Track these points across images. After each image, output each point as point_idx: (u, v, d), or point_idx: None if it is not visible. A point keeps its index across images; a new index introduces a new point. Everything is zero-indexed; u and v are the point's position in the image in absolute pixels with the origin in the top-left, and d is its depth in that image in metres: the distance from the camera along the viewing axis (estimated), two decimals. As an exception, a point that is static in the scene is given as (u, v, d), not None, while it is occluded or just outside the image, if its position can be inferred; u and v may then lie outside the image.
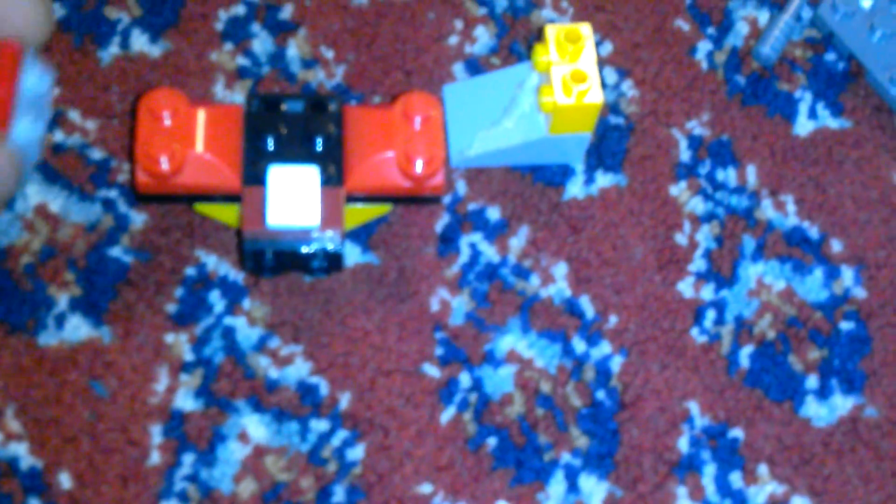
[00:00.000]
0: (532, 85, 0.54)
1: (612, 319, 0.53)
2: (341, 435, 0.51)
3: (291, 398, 0.52)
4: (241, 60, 0.58)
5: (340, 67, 0.58)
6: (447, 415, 0.52)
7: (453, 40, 0.59)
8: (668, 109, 0.58)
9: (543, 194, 0.56)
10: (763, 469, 0.51)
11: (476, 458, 0.51)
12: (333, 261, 0.51)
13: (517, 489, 0.50)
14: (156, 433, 0.51)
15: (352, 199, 0.51)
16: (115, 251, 0.54)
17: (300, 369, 0.52)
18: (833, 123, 0.57)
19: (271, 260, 0.51)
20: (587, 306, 0.54)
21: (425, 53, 0.59)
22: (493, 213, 0.55)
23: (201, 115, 0.51)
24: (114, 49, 0.58)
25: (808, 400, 0.52)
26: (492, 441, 0.51)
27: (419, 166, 0.50)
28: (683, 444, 0.51)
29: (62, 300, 0.53)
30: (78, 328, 0.52)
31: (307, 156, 0.50)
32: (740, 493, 0.50)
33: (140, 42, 0.58)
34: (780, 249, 0.55)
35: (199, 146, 0.50)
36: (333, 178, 0.50)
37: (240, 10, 0.59)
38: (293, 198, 0.49)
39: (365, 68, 0.58)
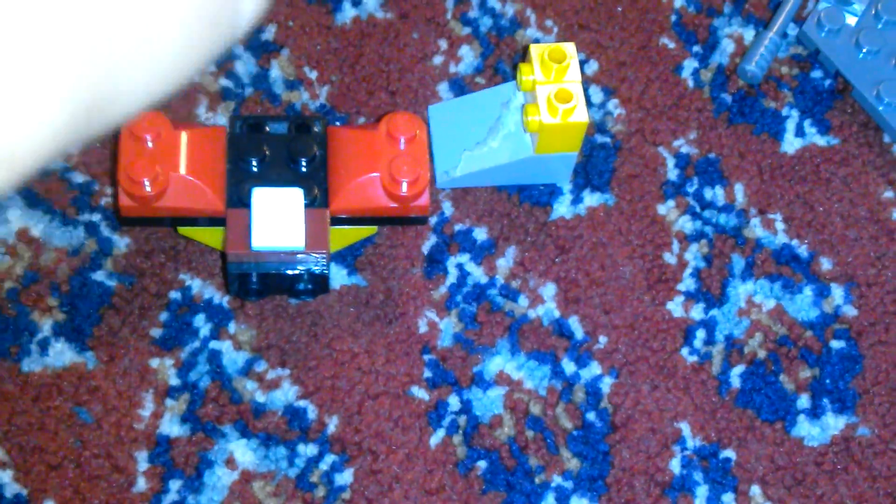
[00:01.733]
0: (517, 104, 0.54)
1: (602, 340, 0.53)
2: (329, 459, 0.50)
3: (279, 423, 0.51)
4: (224, 82, 0.58)
5: (324, 88, 0.58)
6: (436, 438, 0.51)
7: (438, 60, 0.59)
8: (655, 128, 0.57)
9: (530, 214, 0.55)
10: (756, 490, 0.50)
11: (466, 482, 0.50)
12: (319, 283, 0.50)
13: (508, 513, 0.50)
14: (142, 459, 0.50)
15: (337, 220, 0.51)
16: (99, 275, 0.53)
17: (287, 393, 0.52)
18: (820, 141, 0.57)
19: (257, 282, 0.50)
20: (576, 327, 0.53)
21: (410, 73, 0.58)
22: (480, 234, 0.55)
23: (184, 138, 0.50)
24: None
25: (800, 420, 0.52)
26: (482, 464, 0.51)
27: (404, 187, 0.49)
28: (675, 466, 0.51)
29: (46, 325, 0.52)
30: (62, 354, 0.52)
31: (291, 177, 0.50)
32: (733, 515, 0.50)
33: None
34: (770, 268, 0.54)
35: (182, 169, 0.49)
36: (318, 199, 0.50)
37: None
38: (277, 220, 0.48)
39: (349, 89, 0.58)
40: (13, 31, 0.18)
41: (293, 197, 0.48)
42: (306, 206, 0.49)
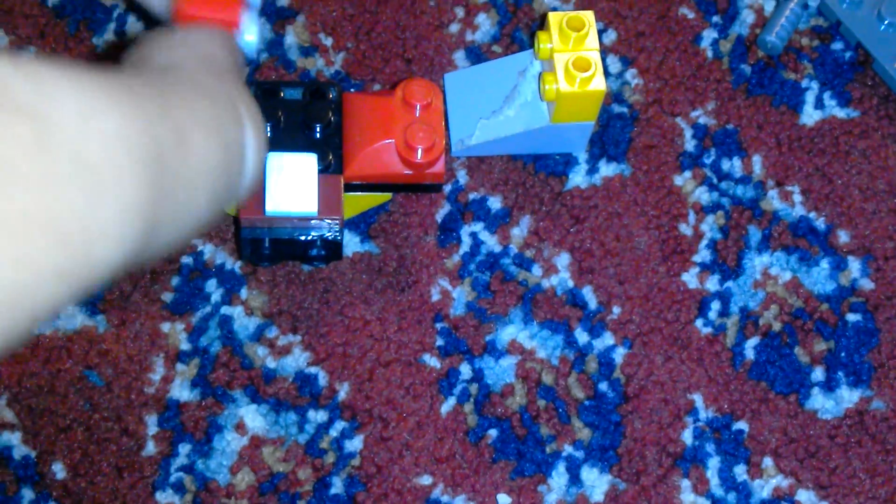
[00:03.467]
0: (534, 73, 0.54)
1: (616, 310, 0.53)
2: (340, 426, 0.50)
3: (289, 388, 0.51)
4: (240, 47, 0.57)
5: (340, 55, 0.57)
6: (447, 406, 0.51)
7: (454, 28, 0.58)
8: (673, 98, 0.57)
9: (545, 184, 0.55)
10: (768, 462, 0.50)
11: (476, 450, 0.50)
12: (332, 249, 0.50)
13: (518, 481, 0.50)
14: (151, 423, 0.50)
15: (351, 187, 0.50)
16: (111, 239, 0.53)
17: (298, 359, 0.51)
18: (840, 113, 0.57)
19: (269, 248, 0.50)
20: (590, 297, 0.53)
21: (426, 41, 0.58)
22: (495, 203, 0.55)
23: None
24: (108, 36, 0.57)
25: (814, 392, 0.51)
26: (492, 433, 0.50)
27: (419, 154, 0.49)
28: (687, 437, 0.50)
29: (57, 288, 0.52)
30: (72, 317, 0.52)
31: (305, 143, 0.49)
32: (745, 486, 0.49)
33: (135, 29, 0.58)
34: (786, 240, 0.54)
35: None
36: (332, 165, 0.49)
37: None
38: (291, 185, 0.48)
39: (364, 56, 0.57)
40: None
41: (307, 162, 0.48)
42: (320, 172, 0.48)
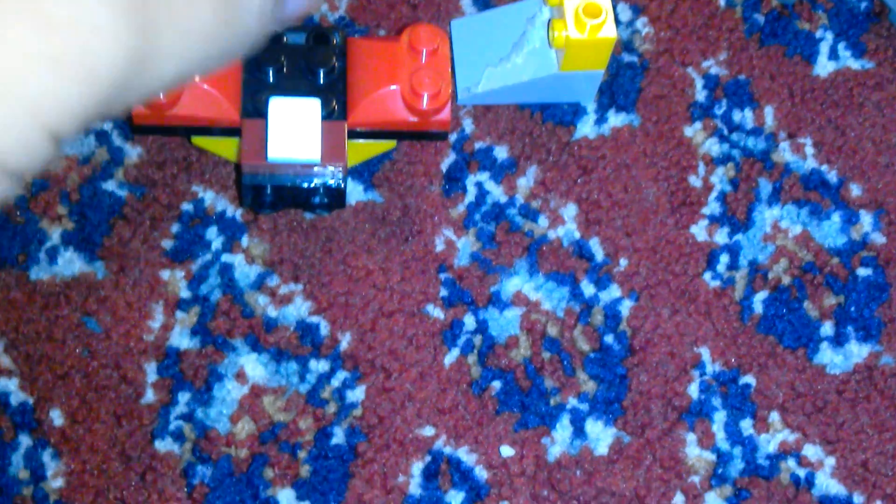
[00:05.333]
0: (543, 20, 0.52)
1: (623, 262, 0.52)
2: (341, 376, 0.50)
3: (290, 338, 0.50)
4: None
5: (344, 0, 0.56)
6: (451, 357, 0.50)
7: (462, -27, 0.57)
8: (684, 48, 0.56)
9: (553, 133, 0.54)
10: (775, 416, 0.49)
11: (480, 402, 0.49)
12: (335, 197, 0.49)
13: (521, 433, 0.49)
14: (150, 371, 0.49)
15: (355, 134, 0.49)
16: (110, 185, 0.52)
17: (300, 308, 0.51)
18: (854, 64, 0.55)
19: (271, 195, 0.49)
20: (597, 249, 0.52)
21: (433, -14, 0.56)
22: (501, 152, 0.53)
23: None
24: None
25: (822, 347, 0.50)
26: (496, 384, 0.50)
27: (425, 100, 0.48)
28: (693, 391, 0.50)
29: (55, 234, 0.51)
30: (71, 263, 0.51)
31: (309, 89, 0.48)
32: (751, 441, 0.49)
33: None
34: (797, 193, 0.53)
35: (197, 77, 0.48)
36: (336, 111, 0.48)
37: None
38: (294, 131, 0.47)
39: (369, 1, 0.56)
40: None
41: (310, 108, 0.47)
42: (324, 118, 0.47)
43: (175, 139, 0.53)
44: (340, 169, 0.48)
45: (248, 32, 0.27)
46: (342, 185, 0.48)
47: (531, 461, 0.48)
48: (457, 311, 0.51)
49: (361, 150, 0.51)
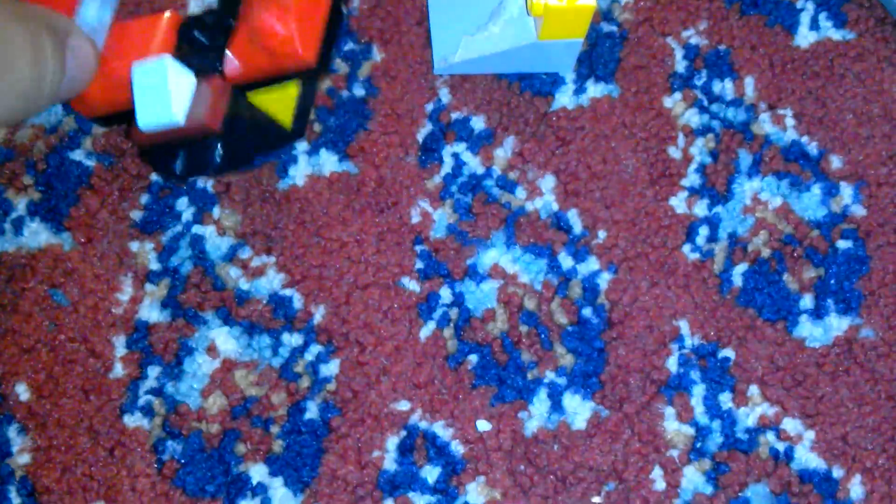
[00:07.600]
0: (521, -13, 0.51)
1: (601, 235, 0.51)
2: (315, 350, 0.49)
3: (263, 311, 0.49)
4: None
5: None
6: (426, 331, 0.49)
7: (438, -60, 0.56)
8: (664, 17, 0.55)
9: (531, 104, 0.53)
10: (754, 389, 0.49)
11: (456, 376, 0.49)
12: (204, 159, 0.46)
13: (498, 408, 0.48)
14: (119, 344, 0.48)
15: (248, 87, 0.46)
16: (77, 154, 0.51)
17: (272, 281, 0.49)
18: (835, 35, 0.55)
19: (181, 162, 0.46)
20: (575, 221, 0.51)
21: (409, -47, 0.55)
22: (478, 123, 0.53)
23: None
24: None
25: (802, 320, 0.50)
26: (473, 358, 0.49)
27: (274, 41, 0.45)
28: (672, 364, 0.49)
29: (20, 204, 0.50)
30: (37, 234, 0.50)
31: (191, 51, 0.45)
32: (730, 414, 0.48)
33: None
34: (778, 165, 0.52)
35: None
36: (215, 66, 0.45)
37: None
38: (153, 95, 0.44)
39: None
40: None
41: (159, 68, 0.44)
42: (203, 74, 0.44)
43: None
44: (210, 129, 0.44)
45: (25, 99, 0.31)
46: (216, 152, 0.45)
47: (508, 435, 0.48)
48: (433, 284, 0.50)
49: (275, 102, 0.48)
